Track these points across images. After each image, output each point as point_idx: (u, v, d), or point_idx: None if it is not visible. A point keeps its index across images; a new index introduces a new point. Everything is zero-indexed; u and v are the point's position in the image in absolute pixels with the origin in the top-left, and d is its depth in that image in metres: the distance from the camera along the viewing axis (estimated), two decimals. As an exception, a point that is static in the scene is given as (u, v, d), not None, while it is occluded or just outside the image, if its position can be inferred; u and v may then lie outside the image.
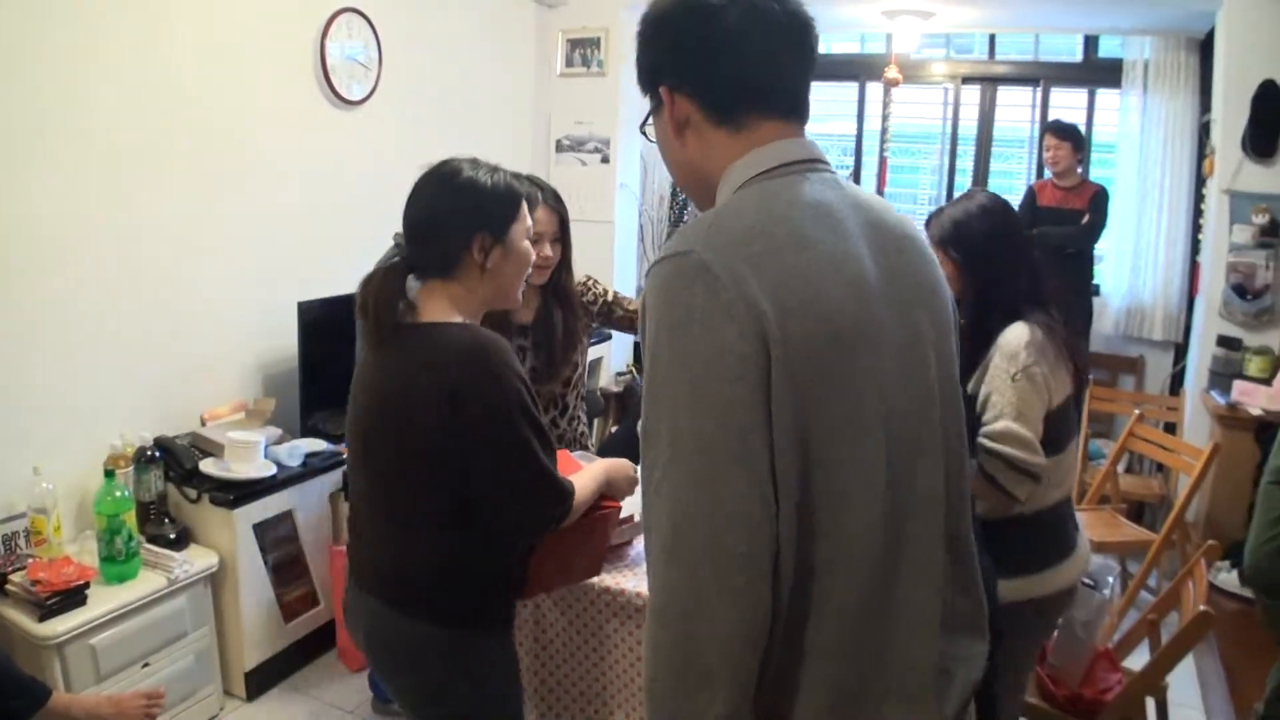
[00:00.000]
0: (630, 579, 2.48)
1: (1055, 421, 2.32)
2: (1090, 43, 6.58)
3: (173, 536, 3.31)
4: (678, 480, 1.12)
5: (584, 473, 2.12)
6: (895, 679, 1.22)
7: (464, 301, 1.96)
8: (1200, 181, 5.73)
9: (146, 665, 3.13)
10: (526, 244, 2.03)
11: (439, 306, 1.93)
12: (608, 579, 2.47)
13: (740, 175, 1.28)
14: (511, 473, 1.87)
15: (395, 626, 1.94)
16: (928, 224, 2.49)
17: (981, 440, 2.23)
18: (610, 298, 3.04)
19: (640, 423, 1.19)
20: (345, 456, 2.16)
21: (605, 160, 5.96)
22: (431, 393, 1.81)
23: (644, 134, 1.42)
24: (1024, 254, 2.47)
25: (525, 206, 2.03)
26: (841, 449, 1.16)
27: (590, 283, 3.06)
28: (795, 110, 1.33)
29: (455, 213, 1.94)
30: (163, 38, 3.49)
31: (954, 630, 1.32)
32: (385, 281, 1.92)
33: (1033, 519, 2.32)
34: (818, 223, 1.21)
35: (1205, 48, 5.73)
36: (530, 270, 2.06)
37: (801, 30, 1.30)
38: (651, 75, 1.34)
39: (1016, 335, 2.31)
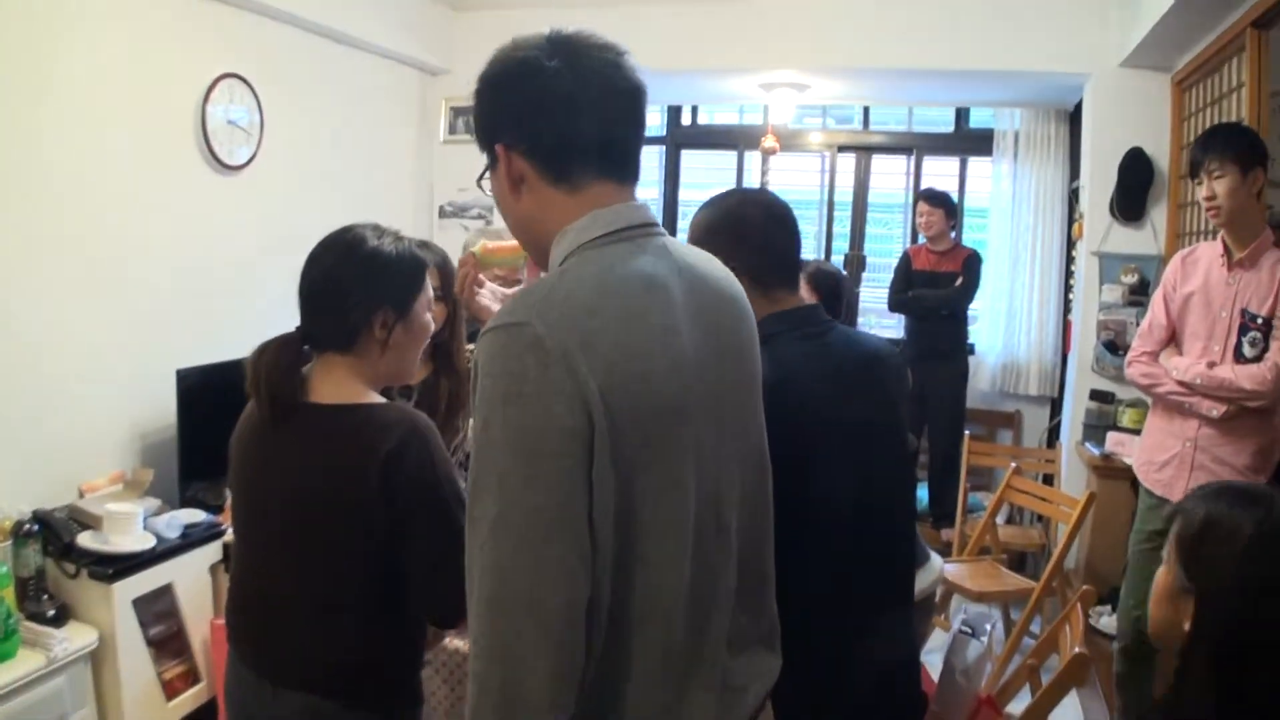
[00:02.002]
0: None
1: None
2: (962, 114, 6.85)
3: (51, 613, 3.19)
4: (503, 538, 1.20)
5: None
6: (694, 708, 1.36)
7: (366, 376, 1.86)
8: (1070, 244, 5.97)
9: (26, 750, 3.00)
10: (427, 316, 1.96)
11: (345, 384, 1.84)
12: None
13: (575, 239, 1.34)
14: (449, 558, 1.73)
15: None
16: (802, 266, 2.93)
17: None
18: None
19: (468, 476, 1.25)
20: (239, 544, 1.98)
21: (489, 225, 5.94)
22: (370, 477, 1.72)
23: (480, 187, 1.48)
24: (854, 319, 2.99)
25: (427, 277, 1.97)
26: (659, 512, 1.27)
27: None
28: (627, 171, 1.41)
29: (357, 286, 1.83)
30: (39, 98, 3.44)
31: (746, 649, 1.48)
32: (280, 354, 1.81)
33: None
34: (647, 297, 1.30)
35: (1074, 118, 6.00)
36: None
37: (634, 94, 1.38)
38: (488, 133, 1.40)
39: None
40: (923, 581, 2.59)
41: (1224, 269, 3.12)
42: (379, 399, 1.86)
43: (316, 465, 1.78)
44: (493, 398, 1.21)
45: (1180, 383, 3.15)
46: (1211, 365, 3.08)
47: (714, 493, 1.36)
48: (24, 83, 3.39)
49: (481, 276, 2.18)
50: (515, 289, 2.08)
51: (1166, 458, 3.24)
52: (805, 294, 2.85)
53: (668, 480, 1.28)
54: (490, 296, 2.12)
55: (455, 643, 2.49)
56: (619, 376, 1.22)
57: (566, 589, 1.20)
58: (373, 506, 1.73)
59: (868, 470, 1.85)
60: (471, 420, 1.26)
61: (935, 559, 2.70)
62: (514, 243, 2.21)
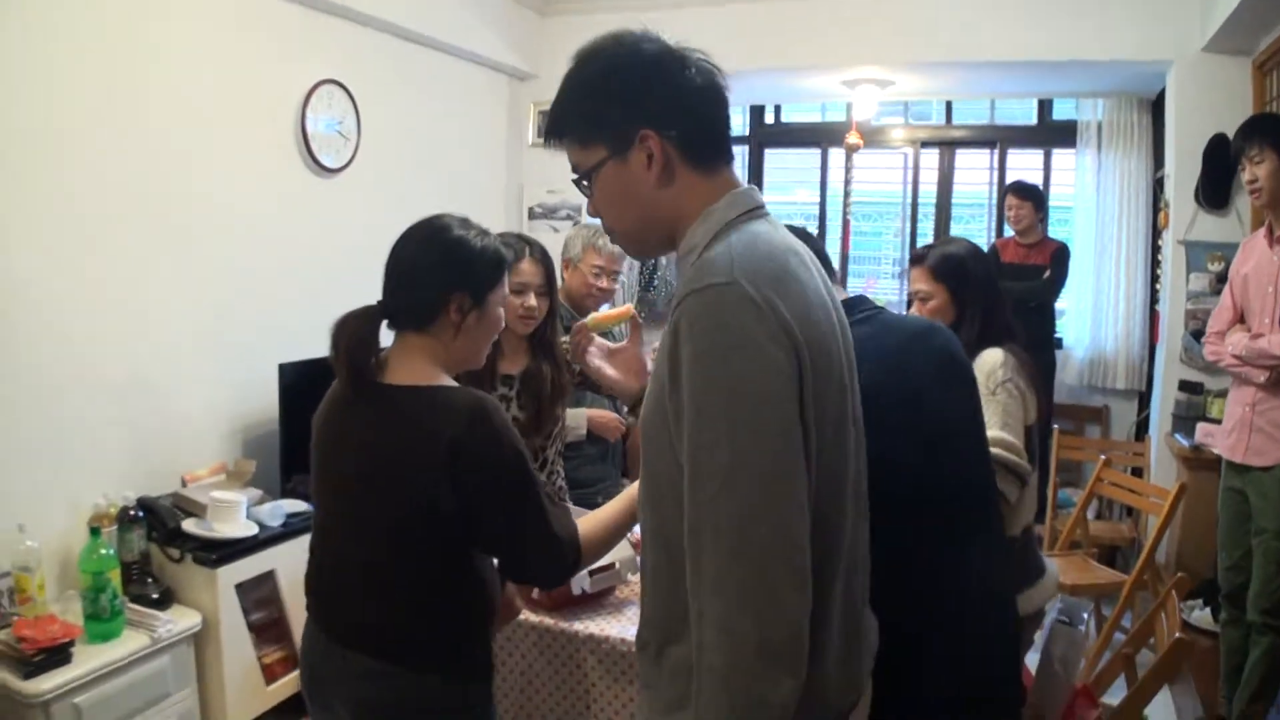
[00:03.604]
0: (614, 625, 2.51)
1: (1027, 441, 2.51)
2: (1045, 105, 6.76)
3: (155, 596, 3.30)
4: (743, 486, 1.22)
5: (602, 512, 2.03)
6: (850, 644, 1.45)
7: (440, 359, 1.94)
8: (1156, 234, 5.88)
9: (130, 727, 3.10)
10: (500, 310, 2.02)
11: (419, 365, 1.91)
12: (592, 626, 2.51)
13: (722, 217, 1.39)
14: (530, 527, 1.85)
15: (401, 684, 1.86)
16: (922, 258, 2.75)
17: None
18: None
19: (687, 439, 1.26)
20: (315, 512, 2.07)
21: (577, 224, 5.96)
22: (437, 458, 1.79)
23: (581, 184, 1.48)
24: (999, 294, 2.74)
25: (507, 273, 2.04)
26: (835, 466, 1.35)
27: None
28: (733, 158, 1.48)
29: (439, 268, 1.92)
30: (145, 102, 3.56)
31: (865, 603, 1.55)
32: (359, 324, 1.91)
33: (1008, 544, 2.45)
34: (803, 270, 1.37)
35: (1156, 107, 5.91)
36: (512, 323, 2.10)
37: (726, 93, 1.45)
38: (628, 118, 1.39)
39: (992, 356, 2.55)
40: (1037, 596, 2.53)
41: (1269, 247, 3.36)
42: (450, 382, 1.93)
43: (386, 442, 1.86)
44: (713, 351, 1.24)
45: (1234, 356, 3.41)
46: (1256, 337, 3.32)
47: (857, 458, 1.45)
48: (132, 89, 3.51)
49: (584, 340, 2.31)
50: (617, 345, 2.19)
51: (1231, 424, 3.49)
52: (929, 287, 2.72)
53: (842, 437, 1.36)
54: (598, 354, 2.20)
55: (549, 620, 2.54)
56: (803, 325, 1.27)
57: (803, 528, 1.24)
58: (439, 486, 1.80)
59: (935, 438, 1.85)
60: (649, 385, 1.34)
61: (1051, 570, 2.63)
62: (617, 310, 2.40)
